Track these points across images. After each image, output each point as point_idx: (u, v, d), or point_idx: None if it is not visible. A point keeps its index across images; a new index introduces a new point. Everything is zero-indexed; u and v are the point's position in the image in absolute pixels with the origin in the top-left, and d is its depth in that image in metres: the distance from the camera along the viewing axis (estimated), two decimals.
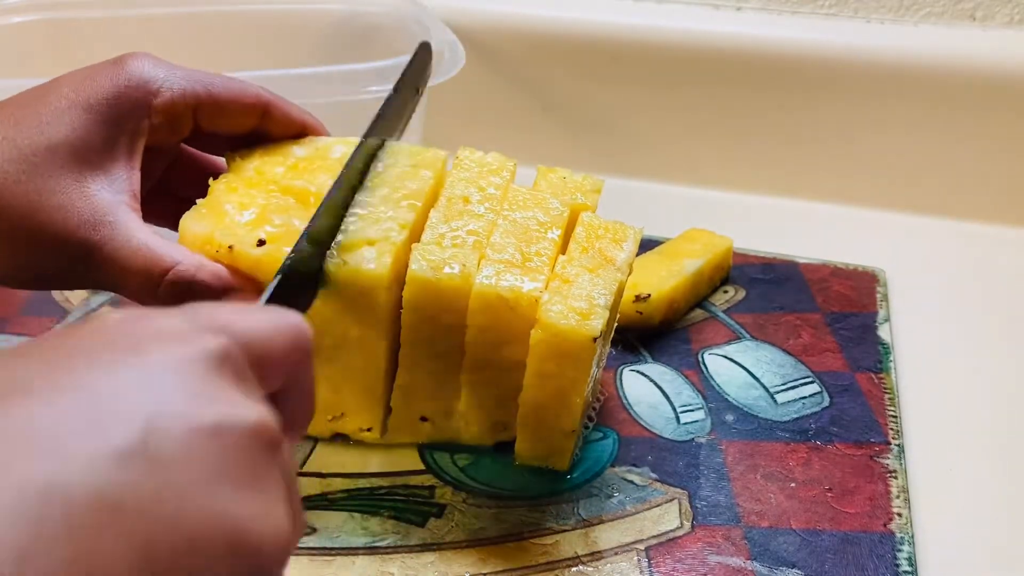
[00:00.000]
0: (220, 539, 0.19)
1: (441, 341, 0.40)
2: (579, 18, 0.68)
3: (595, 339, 0.37)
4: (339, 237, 0.39)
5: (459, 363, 0.41)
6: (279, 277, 0.34)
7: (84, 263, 0.37)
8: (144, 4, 0.65)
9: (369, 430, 0.43)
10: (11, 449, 0.17)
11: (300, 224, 0.39)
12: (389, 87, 0.50)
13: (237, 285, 0.38)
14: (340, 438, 0.44)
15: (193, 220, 0.39)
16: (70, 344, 0.20)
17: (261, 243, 0.38)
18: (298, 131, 0.43)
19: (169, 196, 0.44)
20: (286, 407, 0.23)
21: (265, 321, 0.23)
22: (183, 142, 0.43)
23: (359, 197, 0.41)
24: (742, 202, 0.67)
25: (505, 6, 0.69)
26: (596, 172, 0.48)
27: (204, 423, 0.19)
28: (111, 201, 0.38)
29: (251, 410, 0.21)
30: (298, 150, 0.42)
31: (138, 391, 0.19)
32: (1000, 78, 0.61)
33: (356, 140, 0.42)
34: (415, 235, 0.40)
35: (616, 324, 0.46)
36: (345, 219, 0.40)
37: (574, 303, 0.38)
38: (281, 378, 0.23)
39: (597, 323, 0.38)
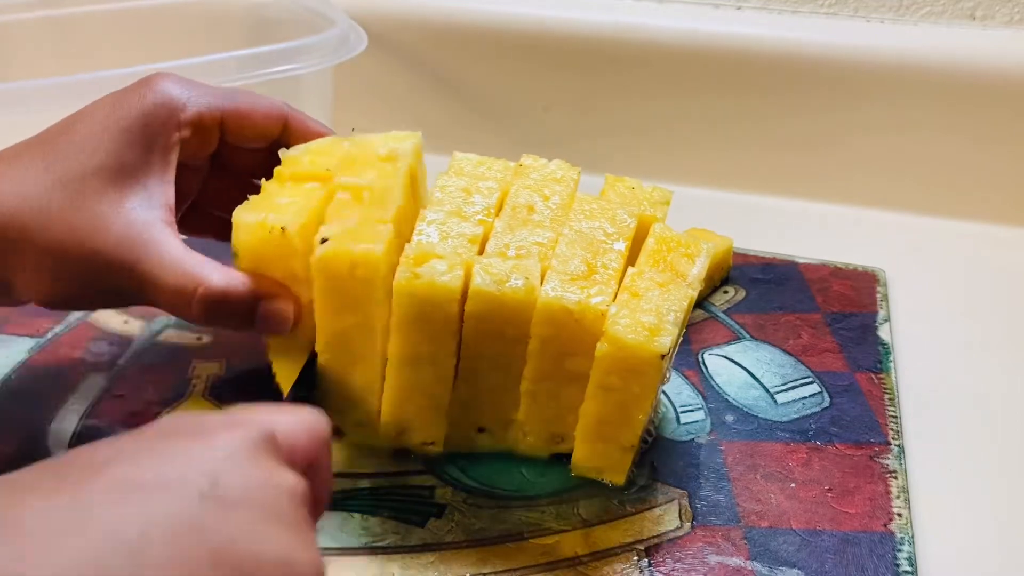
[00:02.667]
0: (275, 560, 0.24)
1: (503, 353, 0.40)
2: (578, 18, 0.68)
3: (663, 356, 0.37)
4: (407, 250, 0.39)
5: (520, 374, 0.40)
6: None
7: (122, 282, 0.39)
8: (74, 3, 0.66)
9: (432, 444, 0.43)
10: (105, 502, 0.23)
11: (353, 222, 0.39)
12: (293, 66, 0.55)
13: (269, 293, 0.40)
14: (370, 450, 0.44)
15: (246, 211, 0.40)
16: (142, 435, 0.26)
17: (324, 241, 0.38)
18: None
19: (207, 213, 0.47)
20: (309, 488, 0.29)
21: (290, 418, 0.29)
22: (212, 158, 0.45)
23: (427, 213, 0.41)
24: (742, 202, 0.67)
25: (503, 6, 0.69)
26: (595, 172, 0.48)
27: (258, 479, 0.25)
28: (146, 219, 0.39)
29: (290, 475, 0.27)
30: (347, 145, 0.43)
31: (205, 457, 0.25)
32: (1000, 78, 0.61)
33: (401, 135, 0.43)
34: (483, 249, 0.40)
35: None
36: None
37: (643, 318, 0.37)
38: (303, 466, 0.28)
39: (666, 340, 0.37)
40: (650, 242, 0.41)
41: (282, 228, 0.39)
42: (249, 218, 0.40)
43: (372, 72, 0.71)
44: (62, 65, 0.61)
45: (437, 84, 0.72)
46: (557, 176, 0.44)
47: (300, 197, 0.41)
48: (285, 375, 0.42)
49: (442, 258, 0.38)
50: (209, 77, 0.53)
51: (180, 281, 0.38)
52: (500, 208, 0.42)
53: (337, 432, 0.43)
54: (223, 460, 0.25)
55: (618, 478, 0.42)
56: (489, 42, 0.70)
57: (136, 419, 0.46)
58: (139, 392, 0.48)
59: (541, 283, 0.38)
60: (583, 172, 0.45)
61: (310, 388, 0.43)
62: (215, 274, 0.39)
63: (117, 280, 0.39)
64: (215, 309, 0.39)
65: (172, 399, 0.47)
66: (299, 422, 0.30)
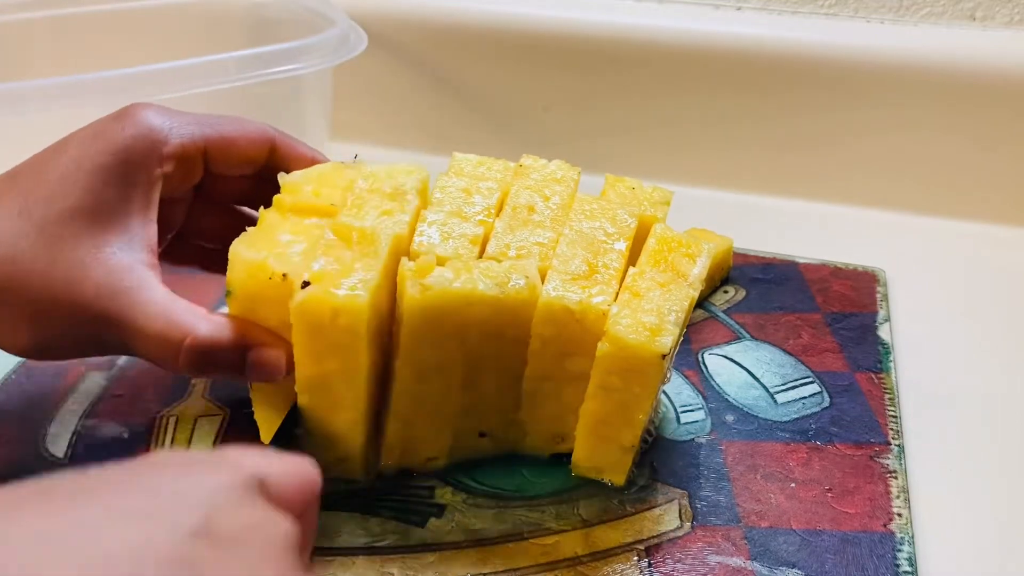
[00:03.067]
0: None
1: (504, 355, 0.39)
2: (578, 18, 0.68)
3: (664, 356, 0.36)
4: (405, 263, 0.38)
5: (520, 374, 0.40)
6: None
7: (105, 333, 0.37)
8: (57, 4, 0.66)
9: (436, 458, 0.42)
10: (98, 526, 0.22)
11: (337, 267, 0.37)
12: (294, 67, 0.55)
13: (258, 341, 0.38)
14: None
15: (245, 246, 0.38)
16: (134, 466, 0.25)
17: (305, 284, 0.37)
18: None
19: (191, 243, 0.45)
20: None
21: (282, 466, 0.28)
22: (196, 188, 0.43)
23: (427, 214, 0.40)
24: (742, 202, 0.67)
25: (503, 6, 0.69)
26: (595, 172, 0.48)
27: (251, 521, 0.24)
28: (128, 263, 0.37)
29: (282, 520, 0.25)
30: (350, 173, 0.42)
31: (195, 492, 0.24)
32: (1000, 78, 0.61)
33: (406, 168, 0.42)
34: (484, 250, 0.40)
35: None
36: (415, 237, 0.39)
37: (644, 318, 0.37)
38: (294, 514, 0.27)
39: (667, 340, 0.37)
40: (651, 242, 0.41)
41: (283, 275, 0.37)
42: (248, 256, 0.38)
43: (372, 72, 0.71)
44: (62, 65, 0.62)
45: (437, 84, 0.72)
46: (557, 176, 0.44)
47: (302, 235, 0.39)
48: (267, 424, 0.41)
49: (444, 262, 0.38)
50: (209, 77, 0.53)
51: (165, 331, 0.36)
52: (500, 208, 0.42)
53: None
54: (214, 498, 0.24)
55: (618, 478, 0.42)
56: (489, 42, 0.69)
57: (136, 419, 0.46)
58: (139, 392, 0.48)
59: (542, 283, 0.38)
60: (583, 172, 0.45)
61: (292, 425, 0.42)
62: (202, 323, 0.37)
63: (99, 331, 0.37)
64: (203, 360, 0.37)
65: (172, 399, 0.47)
66: (291, 470, 0.29)
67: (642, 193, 0.44)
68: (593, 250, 0.40)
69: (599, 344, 0.37)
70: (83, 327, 0.37)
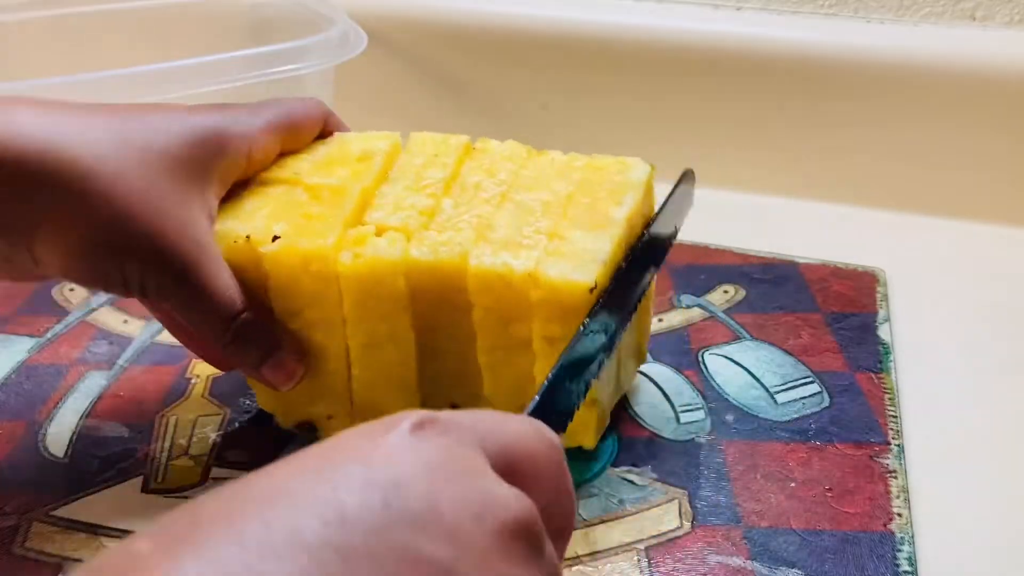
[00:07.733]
0: None
1: (455, 323, 0.40)
2: (578, 18, 0.68)
3: (591, 290, 0.37)
4: (348, 233, 0.39)
5: (475, 345, 0.41)
6: (541, 393, 0.32)
7: (167, 271, 0.37)
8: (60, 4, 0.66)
9: None
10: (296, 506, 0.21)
11: (307, 221, 0.39)
12: (294, 66, 0.55)
13: (283, 346, 0.40)
14: None
15: (219, 219, 0.40)
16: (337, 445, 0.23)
17: (275, 239, 0.39)
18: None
19: None
20: (550, 521, 0.24)
21: (526, 431, 0.24)
22: None
23: (383, 188, 0.41)
24: (743, 202, 0.67)
25: (503, 6, 0.69)
26: None
27: (475, 504, 0.22)
28: (207, 227, 0.39)
29: (519, 501, 0.22)
30: (322, 148, 0.43)
31: (415, 474, 0.22)
32: (1000, 78, 0.61)
33: (378, 135, 0.44)
34: (431, 223, 0.41)
35: None
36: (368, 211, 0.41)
37: (569, 259, 0.38)
38: (545, 492, 0.24)
39: (591, 272, 0.37)
40: (572, 190, 0.41)
41: (247, 236, 0.39)
42: (216, 226, 0.40)
43: (372, 72, 0.71)
44: (62, 65, 0.61)
45: (437, 84, 0.72)
46: (506, 155, 0.44)
47: (266, 200, 0.41)
48: (266, 395, 0.44)
49: (384, 232, 0.39)
50: (210, 77, 0.53)
51: (229, 297, 0.38)
52: (452, 184, 0.42)
53: (310, 427, 0.43)
54: (435, 479, 0.22)
55: (588, 441, 0.42)
56: (489, 42, 0.70)
57: (136, 419, 0.46)
58: (139, 392, 0.48)
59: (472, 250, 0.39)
60: None
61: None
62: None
63: (165, 266, 0.37)
64: (247, 335, 0.39)
65: (172, 399, 0.47)
66: (534, 434, 0.25)
67: (598, 165, 0.44)
68: (527, 219, 0.40)
69: (531, 292, 0.37)
70: (133, 257, 0.37)
